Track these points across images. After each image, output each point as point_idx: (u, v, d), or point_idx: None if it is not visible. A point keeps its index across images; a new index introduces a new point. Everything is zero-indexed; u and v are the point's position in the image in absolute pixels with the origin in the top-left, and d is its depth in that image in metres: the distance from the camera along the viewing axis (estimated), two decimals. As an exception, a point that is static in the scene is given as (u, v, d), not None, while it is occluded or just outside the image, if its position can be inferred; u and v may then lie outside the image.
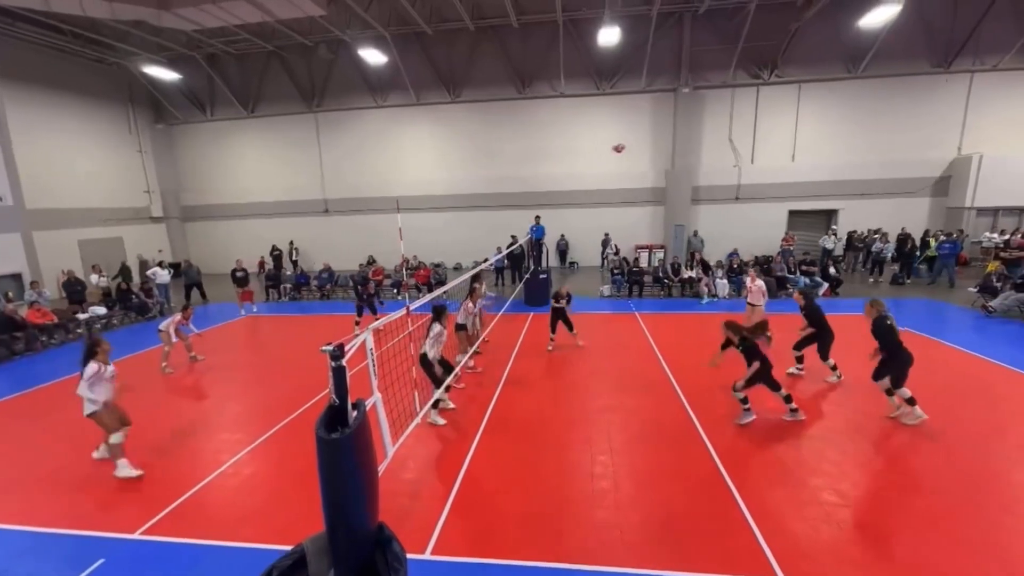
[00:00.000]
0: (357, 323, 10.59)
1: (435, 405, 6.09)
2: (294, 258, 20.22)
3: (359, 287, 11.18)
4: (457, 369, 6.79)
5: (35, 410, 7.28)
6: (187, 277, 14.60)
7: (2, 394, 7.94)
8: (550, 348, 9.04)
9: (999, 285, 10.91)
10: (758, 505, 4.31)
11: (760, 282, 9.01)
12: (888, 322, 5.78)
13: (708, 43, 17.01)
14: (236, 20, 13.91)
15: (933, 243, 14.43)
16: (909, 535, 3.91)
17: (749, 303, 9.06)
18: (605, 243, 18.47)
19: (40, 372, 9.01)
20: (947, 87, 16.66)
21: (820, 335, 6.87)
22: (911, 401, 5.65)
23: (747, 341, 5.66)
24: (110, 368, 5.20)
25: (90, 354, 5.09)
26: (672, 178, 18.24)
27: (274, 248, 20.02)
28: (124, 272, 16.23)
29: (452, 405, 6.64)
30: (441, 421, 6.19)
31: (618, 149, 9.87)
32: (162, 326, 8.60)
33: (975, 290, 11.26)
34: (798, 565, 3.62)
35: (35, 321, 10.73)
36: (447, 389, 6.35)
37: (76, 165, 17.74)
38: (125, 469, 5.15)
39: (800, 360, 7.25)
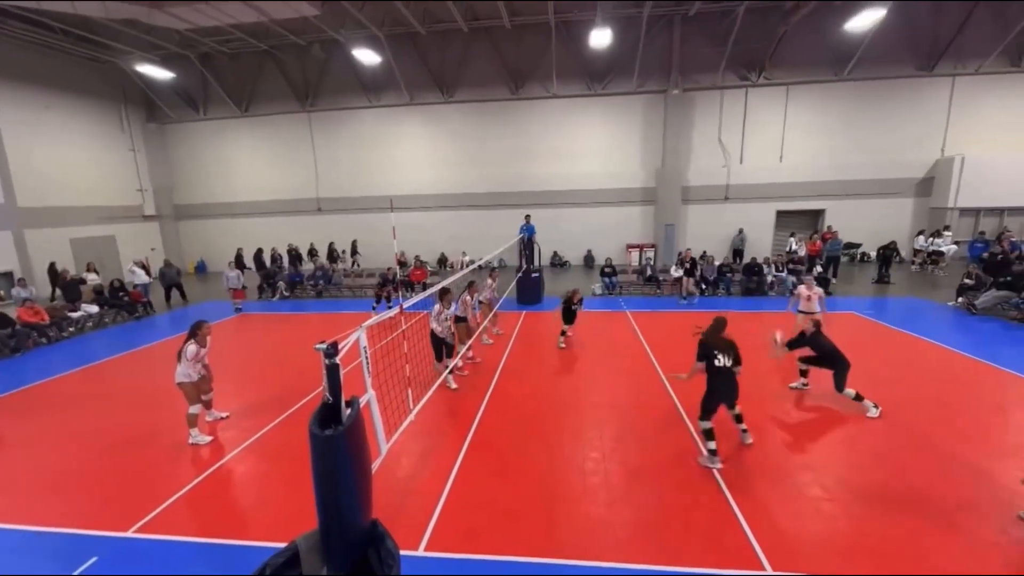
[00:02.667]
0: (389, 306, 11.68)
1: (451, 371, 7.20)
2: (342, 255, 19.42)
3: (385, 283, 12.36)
4: (458, 360, 7.53)
5: (25, 409, 7.30)
6: (165, 278, 14.35)
7: (-6, 393, 7.91)
8: (562, 345, 9.29)
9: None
10: (747, 501, 4.41)
11: (819, 290, 8.40)
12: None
13: (698, 46, 17.24)
14: (230, 19, 13.91)
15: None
16: (893, 526, 4.06)
17: (802, 311, 8.46)
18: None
19: (30, 371, 8.99)
20: (930, 90, 17.01)
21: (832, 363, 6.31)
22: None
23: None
24: (204, 350, 5.91)
25: (191, 335, 5.80)
26: (662, 178, 18.45)
27: (290, 247, 19.35)
28: (52, 274, 14.92)
29: (466, 373, 7.87)
30: (455, 385, 7.28)
31: None
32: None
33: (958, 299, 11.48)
34: (786, 559, 3.73)
35: (27, 319, 10.69)
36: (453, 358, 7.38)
37: (68, 163, 17.67)
38: (197, 437, 5.89)
39: (803, 373, 6.83)
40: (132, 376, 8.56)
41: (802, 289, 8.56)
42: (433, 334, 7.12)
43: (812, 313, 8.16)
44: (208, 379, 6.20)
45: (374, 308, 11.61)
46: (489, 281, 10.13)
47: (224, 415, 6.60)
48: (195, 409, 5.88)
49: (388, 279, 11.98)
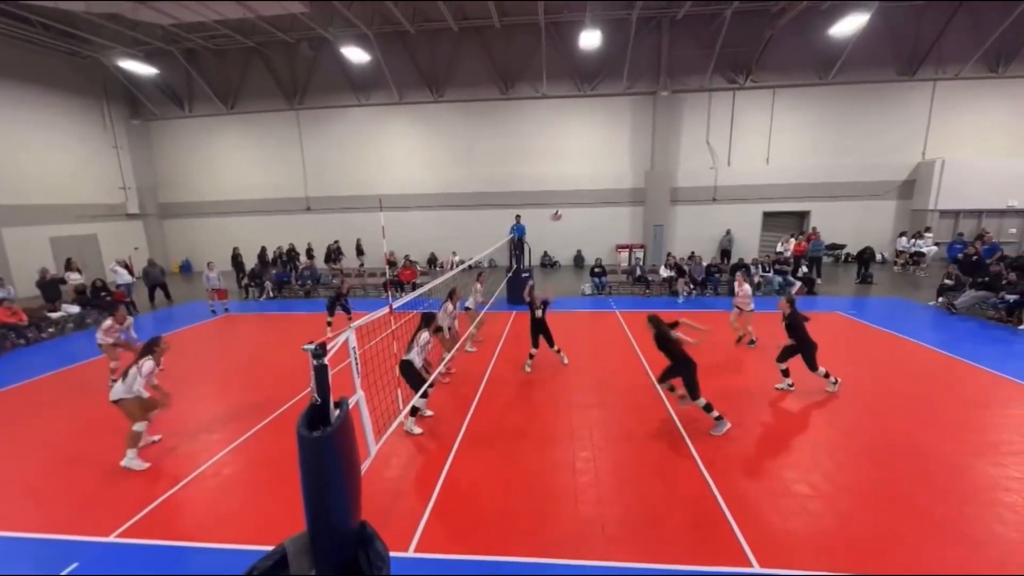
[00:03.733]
0: (329, 323, 10.43)
1: (412, 412, 6.00)
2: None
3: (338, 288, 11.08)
4: (435, 374, 6.48)
5: (2, 412, 7.11)
6: (149, 278, 14.08)
7: (-29, 396, 7.69)
8: (527, 369, 8.03)
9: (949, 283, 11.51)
10: (734, 498, 4.46)
11: (747, 286, 8.96)
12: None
13: (686, 48, 17.42)
14: (215, 15, 13.73)
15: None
16: (879, 523, 4.13)
17: (737, 305, 9.02)
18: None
19: (7, 373, 8.77)
20: (912, 94, 17.39)
21: (802, 347, 6.52)
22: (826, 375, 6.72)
23: (662, 339, 5.66)
24: (159, 368, 5.57)
25: (147, 351, 5.43)
26: (651, 179, 18.59)
27: (290, 247, 19.07)
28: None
29: (430, 413, 6.44)
30: (417, 430, 5.98)
31: (556, 217, 9.07)
32: (98, 338, 7.63)
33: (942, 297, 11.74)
34: (772, 554, 3.78)
35: (4, 320, 10.42)
36: (425, 395, 6.07)
37: (48, 160, 17.23)
38: (133, 460, 5.30)
39: (786, 374, 6.81)
40: (106, 379, 8.38)
41: (735, 285, 9.12)
42: (409, 365, 5.79)
43: (746, 311, 8.80)
44: (162, 396, 5.70)
45: (329, 323, 10.38)
46: (478, 285, 9.72)
47: (156, 439, 5.93)
48: (140, 427, 5.33)
49: (341, 292, 10.78)
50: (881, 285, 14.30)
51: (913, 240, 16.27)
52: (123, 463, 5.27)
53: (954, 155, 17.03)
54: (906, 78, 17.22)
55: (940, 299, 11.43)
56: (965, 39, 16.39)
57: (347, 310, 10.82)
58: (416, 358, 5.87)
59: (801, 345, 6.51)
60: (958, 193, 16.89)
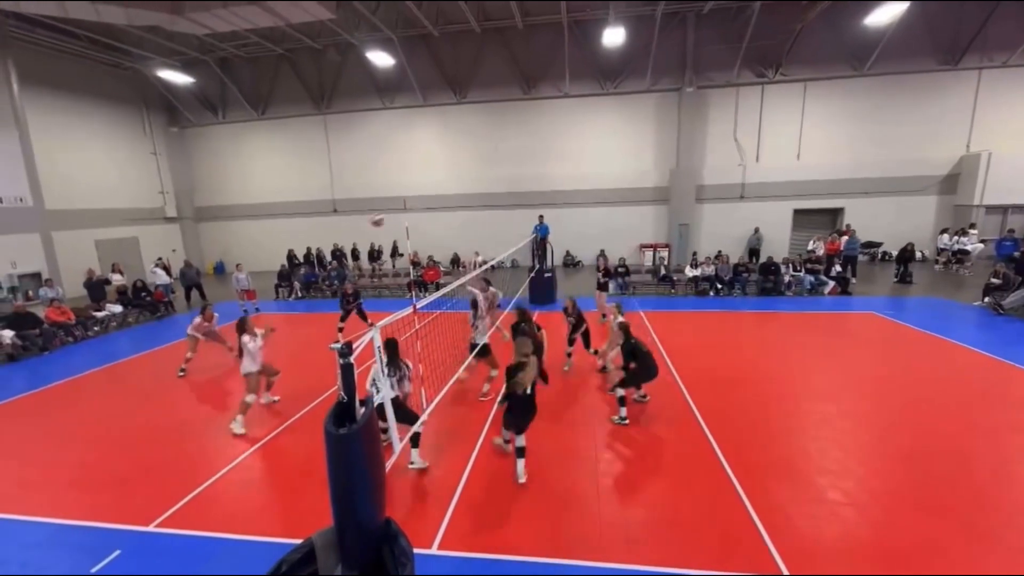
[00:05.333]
0: (340, 329, 10.29)
1: (415, 443, 5.09)
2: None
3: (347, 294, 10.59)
4: (433, 404, 5.22)
5: (52, 406, 7.53)
6: (185, 278, 14.65)
7: (20, 391, 8.18)
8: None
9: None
10: (763, 503, 4.35)
11: (611, 317, 7.55)
12: (632, 341, 6.15)
13: (712, 43, 17.01)
14: (247, 24, 14.17)
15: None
16: (913, 530, 3.97)
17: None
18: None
19: (57, 369, 9.28)
20: (955, 84, 16.51)
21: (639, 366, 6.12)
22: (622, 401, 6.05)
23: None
24: (258, 341, 6.32)
25: (240, 331, 6.28)
26: (676, 177, 18.26)
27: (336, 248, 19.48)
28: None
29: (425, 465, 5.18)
30: (425, 463, 5.17)
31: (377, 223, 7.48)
32: (189, 329, 8.64)
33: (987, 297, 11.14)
34: (803, 562, 3.66)
35: (54, 319, 11.03)
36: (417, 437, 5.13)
37: (93, 167, 18.21)
38: (239, 427, 6.16)
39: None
40: (154, 374, 8.77)
41: (610, 317, 7.80)
42: (395, 404, 4.52)
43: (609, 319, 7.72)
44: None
45: (340, 329, 10.16)
46: (479, 293, 8.49)
47: (275, 399, 7.14)
48: (251, 398, 6.21)
49: (348, 298, 10.28)
50: (921, 285, 13.67)
51: (956, 237, 15.49)
52: (231, 425, 6.16)
53: (1002, 147, 16.11)
54: (949, 67, 16.38)
55: (986, 299, 10.86)
56: (1013, 25, 15.48)
57: (351, 314, 10.51)
58: (391, 391, 4.63)
59: (640, 365, 6.10)
60: (1007, 187, 15.97)
